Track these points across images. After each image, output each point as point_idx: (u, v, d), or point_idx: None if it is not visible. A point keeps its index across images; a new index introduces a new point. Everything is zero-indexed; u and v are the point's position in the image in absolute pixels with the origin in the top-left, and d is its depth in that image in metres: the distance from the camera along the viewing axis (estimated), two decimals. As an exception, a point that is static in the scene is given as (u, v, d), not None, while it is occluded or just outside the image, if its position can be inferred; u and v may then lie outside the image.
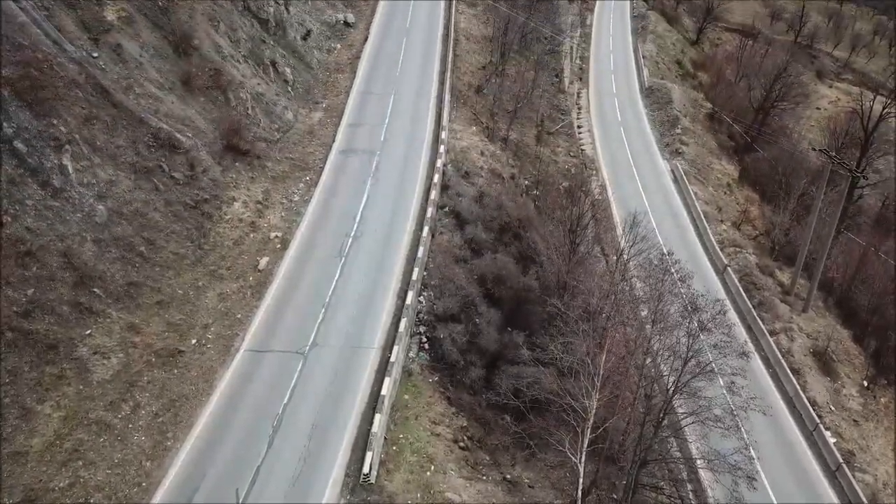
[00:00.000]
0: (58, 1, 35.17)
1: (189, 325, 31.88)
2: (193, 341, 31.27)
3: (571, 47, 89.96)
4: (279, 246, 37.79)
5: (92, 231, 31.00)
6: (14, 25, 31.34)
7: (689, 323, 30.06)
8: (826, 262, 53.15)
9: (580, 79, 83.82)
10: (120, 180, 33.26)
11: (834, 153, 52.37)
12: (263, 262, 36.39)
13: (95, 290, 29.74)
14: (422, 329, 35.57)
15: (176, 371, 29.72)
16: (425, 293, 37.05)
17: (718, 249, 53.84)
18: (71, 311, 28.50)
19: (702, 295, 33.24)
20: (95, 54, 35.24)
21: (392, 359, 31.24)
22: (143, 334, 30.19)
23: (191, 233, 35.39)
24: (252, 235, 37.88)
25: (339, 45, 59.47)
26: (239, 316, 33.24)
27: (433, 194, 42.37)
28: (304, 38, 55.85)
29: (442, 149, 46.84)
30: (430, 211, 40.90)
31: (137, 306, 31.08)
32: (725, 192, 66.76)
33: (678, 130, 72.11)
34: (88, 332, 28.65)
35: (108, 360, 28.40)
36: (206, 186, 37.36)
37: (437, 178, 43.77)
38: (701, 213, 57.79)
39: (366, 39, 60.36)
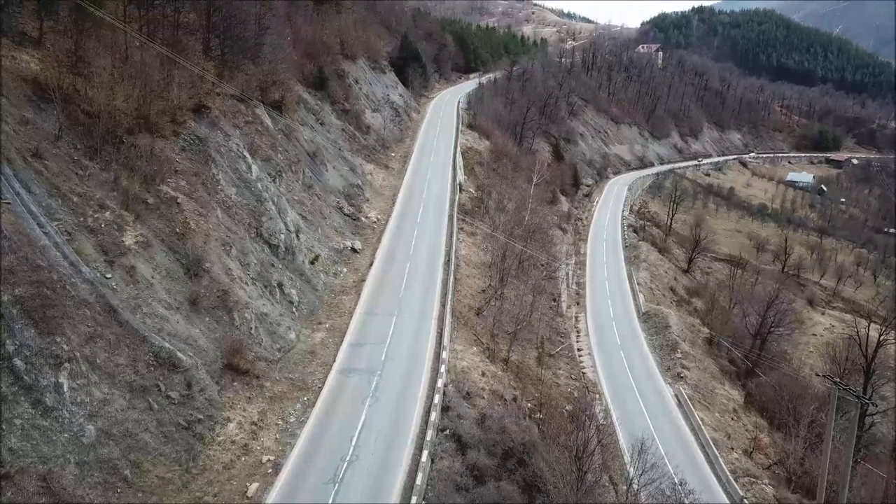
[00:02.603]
0: (80, 227, 37.08)
1: (165, 561, 29.27)
2: (168, 579, 28.49)
3: (567, 273, 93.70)
4: (271, 470, 35.94)
5: (77, 453, 29.66)
6: (35, 248, 32.76)
7: (711, 563, 27.63)
8: (847, 496, 50.13)
9: (577, 303, 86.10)
10: (114, 399, 32.57)
11: (838, 379, 51.76)
12: (253, 488, 34.37)
13: (70, 518, 27.73)
14: (419, 567, 32.57)
15: None
16: (424, 525, 34.50)
17: (732, 480, 51.18)
18: (39, 543, 26.33)
19: (721, 530, 30.97)
20: (109, 275, 36.44)
21: None
22: (113, 570, 27.58)
23: (180, 455, 33.86)
24: (244, 459, 36.21)
25: (345, 269, 61.86)
26: (221, 550, 30.65)
27: (433, 416, 41.24)
28: (312, 263, 58.27)
29: (443, 368, 46.57)
30: (429, 434, 39.51)
31: (112, 537, 28.79)
32: (733, 419, 65.09)
33: (678, 355, 72.28)
34: (54, 567, 26.23)
35: None
36: (201, 406, 36.51)
37: (437, 398, 42.94)
38: (710, 440, 55.84)
39: (371, 264, 62.91)
